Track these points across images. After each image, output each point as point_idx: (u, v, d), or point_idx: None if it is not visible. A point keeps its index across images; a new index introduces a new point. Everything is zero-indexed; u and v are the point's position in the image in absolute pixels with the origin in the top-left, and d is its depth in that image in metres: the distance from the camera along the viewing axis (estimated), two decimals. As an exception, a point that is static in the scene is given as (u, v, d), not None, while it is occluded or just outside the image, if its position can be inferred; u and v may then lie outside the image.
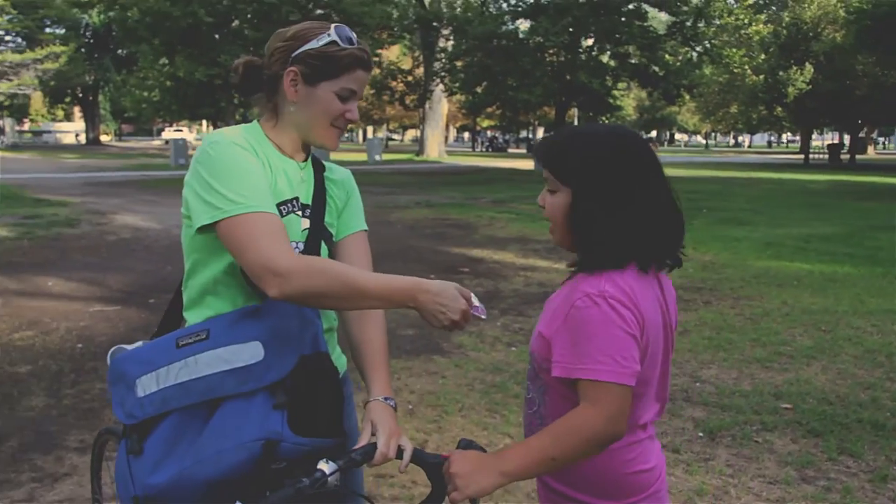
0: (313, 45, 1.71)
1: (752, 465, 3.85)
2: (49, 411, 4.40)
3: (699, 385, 5.07)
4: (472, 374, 5.22)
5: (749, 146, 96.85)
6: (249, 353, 1.61)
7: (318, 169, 1.88)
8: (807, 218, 15.83)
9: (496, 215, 15.36)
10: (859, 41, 33.34)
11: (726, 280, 8.81)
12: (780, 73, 42.44)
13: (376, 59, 24.29)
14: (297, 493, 1.43)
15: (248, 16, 21.61)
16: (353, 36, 1.74)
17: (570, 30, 27.37)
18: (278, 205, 1.71)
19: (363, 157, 40.40)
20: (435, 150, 43.67)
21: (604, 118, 48.21)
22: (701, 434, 4.24)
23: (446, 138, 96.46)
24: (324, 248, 1.82)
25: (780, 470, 3.80)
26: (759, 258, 10.43)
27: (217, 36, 20.42)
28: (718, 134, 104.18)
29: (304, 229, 1.78)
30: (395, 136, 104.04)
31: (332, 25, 1.74)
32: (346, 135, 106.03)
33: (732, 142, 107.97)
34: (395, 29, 25.75)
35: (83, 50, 56.83)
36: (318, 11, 21.95)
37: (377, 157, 40.73)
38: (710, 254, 10.76)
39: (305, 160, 1.84)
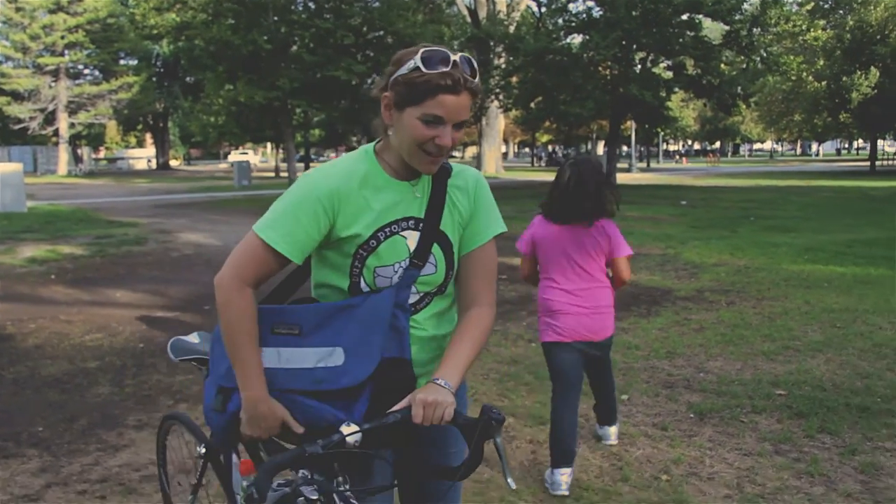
0: (402, 70, 1.75)
1: (731, 441, 4.22)
2: (112, 398, 5.03)
3: (702, 375, 5.43)
4: (489, 365, 5.67)
5: (819, 154, 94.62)
6: (332, 358, 1.77)
7: (441, 176, 1.92)
8: (857, 224, 15.80)
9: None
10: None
11: (755, 283, 9.06)
12: (844, 78, 41.77)
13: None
14: (307, 457, 1.55)
15: (306, 41, 22.49)
16: (451, 58, 1.72)
17: (623, 43, 27.56)
18: (377, 230, 1.83)
19: (421, 174, 41.15)
20: (492, 166, 44.11)
21: (660, 129, 48.03)
22: (692, 415, 4.62)
23: (506, 154, 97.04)
24: (438, 253, 1.89)
25: (758, 445, 4.16)
26: (795, 262, 10.61)
27: (278, 61, 21.31)
28: (786, 143, 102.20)
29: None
30: (455, 154, 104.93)
31: (422, 49, 1.74)
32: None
33: (799, 150, 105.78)
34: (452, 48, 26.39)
35: (154, 79, 59.15)
36: (372, 35, 22.75)
37: (435, 175, 41.43)
38: (746, 259, 10.99)
39: (419, 177, 1.89)
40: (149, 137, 77.86)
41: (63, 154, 57.19)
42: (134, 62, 58.77)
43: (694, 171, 51.10)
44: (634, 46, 28.81)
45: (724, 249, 11.97)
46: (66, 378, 5.48)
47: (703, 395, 4.99)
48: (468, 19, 36.95)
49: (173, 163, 77.62)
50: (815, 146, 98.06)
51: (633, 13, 26.95)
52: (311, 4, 22.50)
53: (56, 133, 56.20)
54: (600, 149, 71.59)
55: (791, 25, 32.84)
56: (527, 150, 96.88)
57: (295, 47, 22.23)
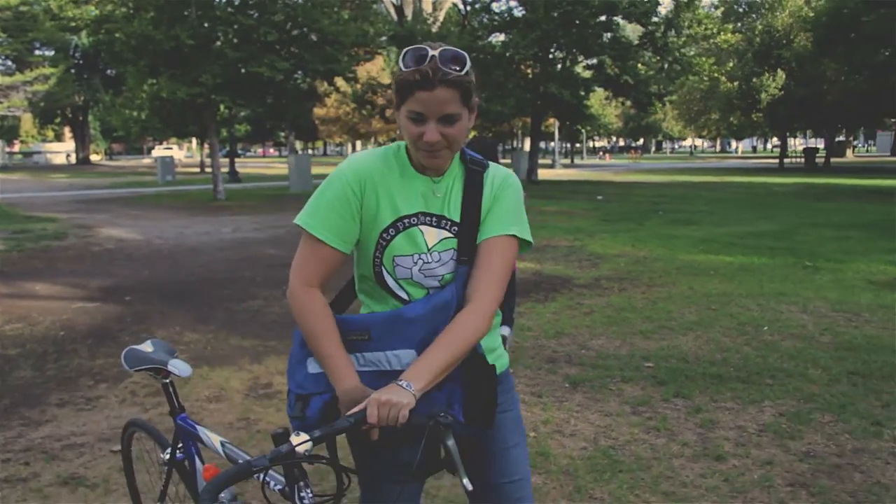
0: (397, 70, 1.80)
1: (597, 405, 4.81)
2: (34, 380, 5.35)
3: (583, 351, 6.03)
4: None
5: (738, 152, 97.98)
6: (405, 358, 1.81)
7: (473, 174, 1.94)
8: (754, 218, 16.83)
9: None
10: (818, 48, 34.52)
11: (648, 271, 9.78)
12: (754, 79, 43.63)
13: (351, 75, 25.20)
14: (253, 469, 1.56)
15: (230, 37, 22.56)
16: (428, 54, 1.74)
17: (542, 43, 28.35)
18: (396, 220, 1.88)
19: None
20: (418, 162, 44.70)
21: (580, 126, 49.25)
22: (567, 385, 5.20)
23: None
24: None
25: (619, 407, 4.76)
26: (689, 253, 11.40)
27: (200, 57, 21.34)
28: (707, 140, 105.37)
29: (439, 240, 1.89)
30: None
31: (405, 50, 1.77)
32: (337, 149, 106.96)
33: (719, 147, 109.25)
34: (371, 46, 26.67)
35: (72, 71, 57.71)
36: (296, 31, 22.94)
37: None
38: (645, 250, 11.74)
39: (442, 174, 1.92)
40: (68, 131, 75.78)
41: (-24, 148, 55.34)
42: (50, 53, 57.24)
43: (616, 167, 52.58)
44: (554, 46, 29.68)
45: (627, 241, 12.73)
46: (-11, 363, 5.78)
47: (581, 367, 5.58)
48: (394, 17, 37.40)
49: (94, 157, 75.78)
50: (734, 143, 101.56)
51: (553, 14, 27.77)
52: (236, 0, 22.57)
53: (-32, 126, 54.37)
54: (527, 145, 72.89)
55: (703, 28, 34.18)
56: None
57: (218, 43, 22.26)
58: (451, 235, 1.90)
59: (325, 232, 1.85)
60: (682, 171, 44.64)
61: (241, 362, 5.71)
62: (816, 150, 52.66)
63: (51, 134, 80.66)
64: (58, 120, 69.41)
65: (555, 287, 8.73)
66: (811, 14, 37.41)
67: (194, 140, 62.58)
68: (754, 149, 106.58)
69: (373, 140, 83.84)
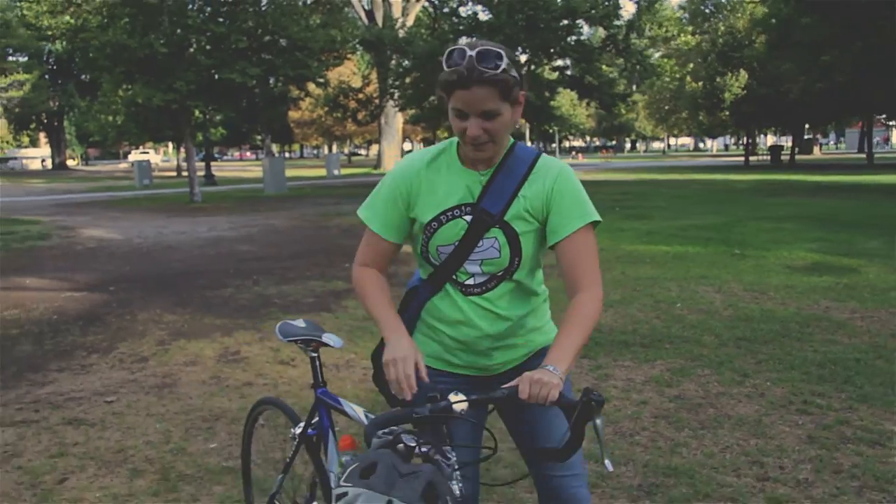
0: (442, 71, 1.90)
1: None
2: (35, 353, 6.19)
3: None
4: (353, 322, 7.05)
5: (712, 150, 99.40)
6: None
7: (510, 169, 2.05)
8: (704, 212, 17.82)
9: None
10: (771, 50, 35.72)
11: (589, 260, 10.71)
12: (718, 79, 44.90)
13: (321, 80, 26.06)
14: (414, 416, 1.70)
15: (202, 44, 23.34)
16: (465, 53, 1.83)
17: (506, 46, 29.28)
18: (440, 213, 2.04)
19: (323, 172, 42.18)
20: (392, 164, 45.47)
21: (548, 127, 50.28)
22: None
23: (410, 151, 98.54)
24: (502, 239, 2.05)
25: (532, 365, 5.67)
26: (633, 244, 12.36)
27: (174, 64, 22.10)
28: (681, 138, 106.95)
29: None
30: (360, 152, 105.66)
31: (447, 50, 1.88)
32: (314, 151, 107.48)
33: (692, 146, 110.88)
34: (340, 51, 27.50)
35: (47, 77, 58.07)
36: (267, 38, 23.76)
37: (336, 172, 42.53)
38: (591, 242, 12.68)
39: (489, 169, 2.04)
40: (43, 137, 75.93)
41: (-49, 154, 55.52)
42: (24, 59, 57.57)
43: (587, 166, 53.61)
44: (519, 49, 30.62)
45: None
46: (-7, 341, 6.62)
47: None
48: (365, 21, 38.27)
49: (70, 163, 75.92)
50: (708, 142, 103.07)
51: (517, 17, 28.70)
52: (208, 8, 23.33)
53: (-58, 133, 54.59)
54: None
55: (664, 31, 35.31)
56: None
57: (191, 50, 23.03)
58: (494, 225, 2.03)
59: (378, 225, 2.08)
60: (650, 169, 45.75)
61: (214, 336, 6.59)
62: (782, 147, 54.00)
63: (26, 140, 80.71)
64: (33, 125, 69.61)
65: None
66: (765, 13, 38.50)
67: (171, 144, 63.07)
68: (726, 147, 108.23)
69: (348, 142, 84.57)
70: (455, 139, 2.05)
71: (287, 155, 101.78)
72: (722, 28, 45.68)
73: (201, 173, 34.42)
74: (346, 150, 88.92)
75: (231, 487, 3.61)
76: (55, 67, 59.67)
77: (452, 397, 1.75)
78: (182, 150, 41.67)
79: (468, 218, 2.02)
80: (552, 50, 30.97)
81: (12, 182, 43.21)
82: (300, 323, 2.67)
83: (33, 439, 4.30)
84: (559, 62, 32.63)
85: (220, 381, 5.31)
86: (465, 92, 1.84)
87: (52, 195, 29.36)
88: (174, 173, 51.26)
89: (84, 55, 23.74)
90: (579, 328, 1.93)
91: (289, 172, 38.30)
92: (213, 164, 43.00)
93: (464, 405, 1.74)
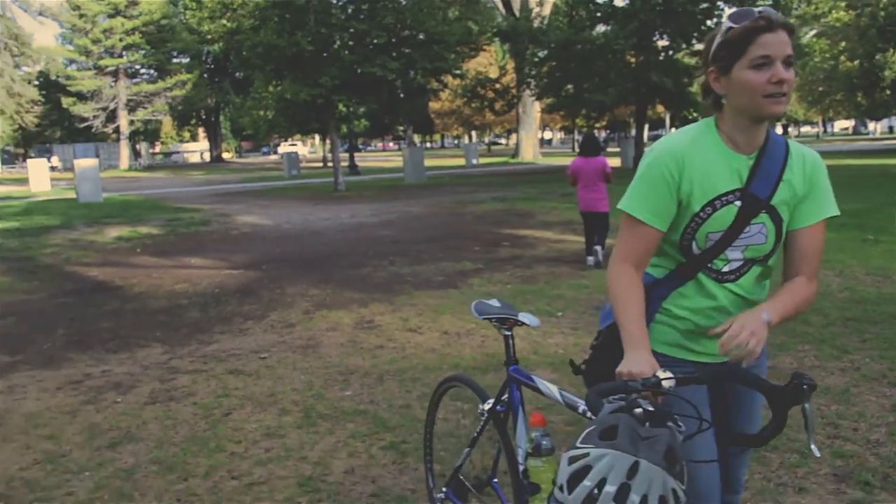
0: (718, 39, 1.92)
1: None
2: (202, 318, 7.20)
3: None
4: (476, 297, 7.69)
5: (876, 133, 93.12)
6: None
7: (775, 153, 2.02)
8: (847, 198, 16.99)
9: (558, 205, 17.56)
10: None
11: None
12: (877, 56, 42.39)
13: (458, 72, 26.89)
14: (627, 387, 1.73)
15: (346, 40, 24.64)
16: (755, 10, 1.88)
17: (642, 32, 29.08)
18: (713, 199, 1.97)
19: (462, 161, 43.15)
20: (529, 152, 45.85)
21: (686, 113, 49.08)
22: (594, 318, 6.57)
23: (550, 140, 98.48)
24: (769, 225, 2.01)
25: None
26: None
27: (319, 61, 23.48)
28: (840, 121, 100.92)
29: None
30: (501, 141, 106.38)
31: (732, 11, 1.93)
32: (454, 141, 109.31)
33: (851, 129, 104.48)
34: (476, 43, 28.19)
35: (205, 75, 62.06)
36: (405, 33, 24.77)
37: (474, 161, 43.37)
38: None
39: (753, 152, 2.00)
40: (202, 132, 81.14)
41: (124, 149, 60.58)
42: (186, 60, 61.67)
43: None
44: (656, 35, 30.33)
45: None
46: (168, 309, 7.70)
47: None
48: (502, 11, 38.83)
49: (225, 155, 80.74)
50: (871, 125, 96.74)
51: (653, 2, 28.44)
52: (350, 7, 24.59)
53: (117, 130, 59.61)
54: (645, 133, 72.88)
55: (814, 8, 33.87)
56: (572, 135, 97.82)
57: (335, 47, 24.35)
58: (762, 210, 1.99)
59: (643, 212, 1.99)
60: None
61: (352, 307, 7.40)
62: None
63: (187, 135, 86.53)
64: (193, 121, 74.56)
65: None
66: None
67: (317, 136, 66.02)
68: (891, 129, 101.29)
69: (488, 131, 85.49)
70: (711, 119, 2.05)
71: (428, 145, 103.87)
72: (885, 0, 43.01)
73: (345, 164, 36.05)
74: (486, 140, 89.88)
75: (360, 425, 4.32)
76: (213, 67, 63.60)
77: (660, 373, 1.78)
78: (327, 141, 43.73)
79: (738, 203, 1.99)
80: (695, 35, 30.44)
81: (176, 174, 46.73)
82: (494, 302, 2.72)
83: (203, 384, 5.19)
84: (699, 47, 32.04)
85: (356, 343, 6.07)
86: (772, 35, 1.86)
87: (210, 185, 31.70)
88: (320, 164, 53.68)
89: (238, 55, 25.58)
90: (795, 299, 1.99)
91: (428, 162, 39.45)
92: (356, 154, 44.87)
93: (671, 382, 1.77)
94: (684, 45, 32.22)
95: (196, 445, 4.12)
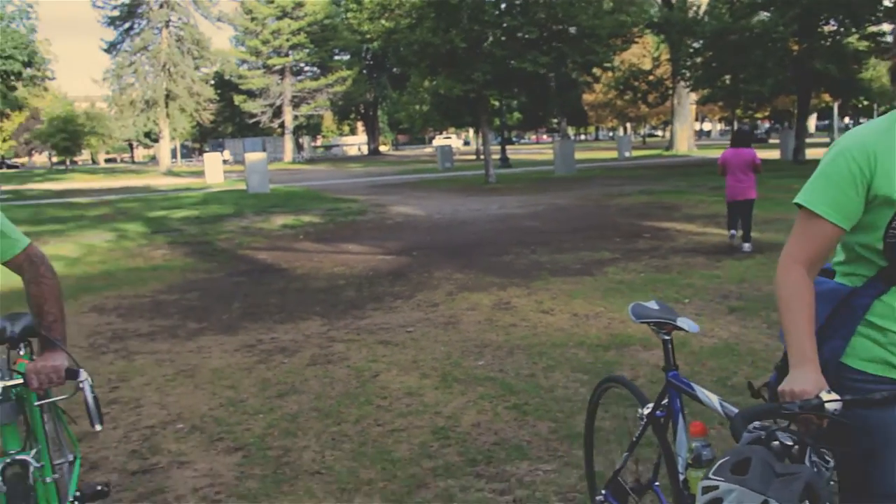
0: None
1: (741, 322, 6.40)
2: (357, 297, 8.00)
3: (755, 292, 7.53)
4: (608, 284, 8.09)
5: None
6: None
7: None
8: None
9: (705, 198, 17.44)
10: None
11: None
12: None
13: (609, 65, 26.90)
14: (782, 412, 1.63)
15: (498, 35, 25.26)
16: None
17: (804, 18, 27.96)
18: None
19: (614, 154, 42.92)
20: (684, 145, 44.90)
21: (856, 101, 46.44)
22: (727, 311, 6.81)
23: (709, 132, 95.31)
24: None
25: (759, 325, 6.32)
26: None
27: (472, 57, 24.24)
28: None
29: None
30: (658, 133, 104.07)
31: None
32: (609, 134, 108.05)
33: None
34: (628, 35, 28.04)
35: (364, 71, 64.61)
36: (556, 27, 25.09)
37: (626, 154, 42.98)
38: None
39: None
40: (360, 125, 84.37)
41: (288, 143, 64.14)
42: (347, 57, 64.43)
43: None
44: (821, 20, 29.02)
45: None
46: (327, 288, 8.58)
47: (744, 301, 7.13)
48: (659, 1, 38.21)
49: (382, 148, 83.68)
50: None
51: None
52: (503, 4, 25.18)
53: (282, 125, 63.21)
54: (812, 124, 69.28)
55: None
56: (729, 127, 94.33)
57: (488, 43, 25.03)
58: None
59: (823, 207, 1.83)
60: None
61: (491, 290, 7.99)
62: None
63: (346, 128, 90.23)
64: (352, 116, 77.71)
65: (761, 250, 10.05)
66: None
67: (471, 129, 67.26)
68: None
69: (643, 123, 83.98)
70: None
71: (582, 137, 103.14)
72: None
73: (497, 156, 36.75)
74: (641, 132, 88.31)
75: (489, 389, 4.89)
76: (371, 63, 66.10)
77: (825, 395, 1.65)
78: (480, 134, 44.69)
79: None
80: (871, 17, 28.86)
81: (336, 167, 49.10)
82: (653, 305, 2.65)
83: (356, 351, 5.92)
84: (873, 28, 30.32)
85: (492, 322, 6.65)
86: None
87: (367, 177, 33.25)
88: (473, 157, 54.75)
89: (395, 53, 26.73)
90: None
91: (581, 155, 39.50)
92: (509, 147, 45.48)
93: (837, 404, 1.64)
94: (854, 29, 30.67)
95: (348, 399, 4.83)
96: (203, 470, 3.90)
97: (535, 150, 73.64)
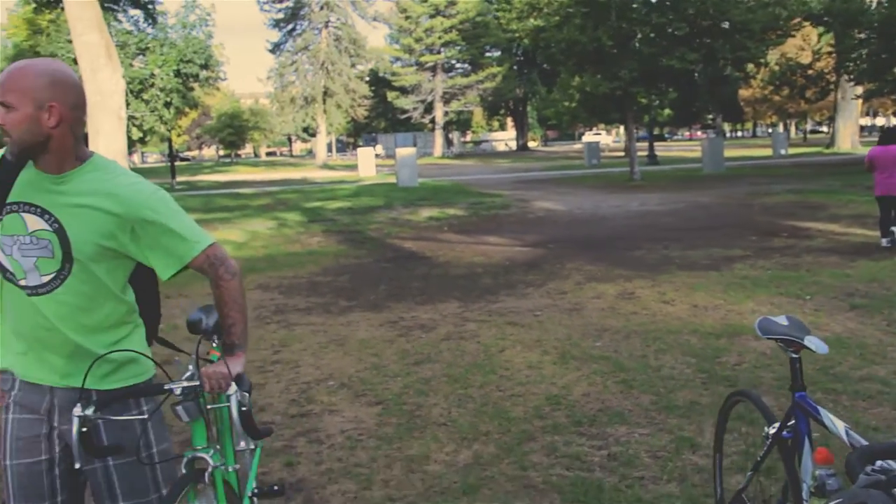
0: None
1: (870, 321, 6.54)
2: (492, 284, 8.66)
3: (884, 292, 7.58)
4: (732, 279, 8.34)
5: None
6: None
7: None
8: None
9: (856, 198, 16.84)
10: None
11: None
12: None
13: (762, 60, 26.22)
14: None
15: (647, 32, 25.22)
16: None
17: None
18: None
19: (769, 151, 41.52)
20: (847, 142, 42.78)
21: None
22: (848, 307, 6.95)
23: (882, 127, 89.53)
24: None
25: (881, 322, 6.45)
26: None
27: (619, 55, 24.36)
28: None
29: None
30: (823, 129, 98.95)
31: None
32: (768, 130, 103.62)
33: None
34: (783, 29, 27.15)
35: (514, 67, 65.27)
36: (706, 23, 24.76)
37: (782, 152, 41.43)
38: None
39: None
40: (510, 121, 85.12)
41: (438, 138, 65.75)
42: (497, 53, 65.29)
43: None
44: None
45: None
46: (465, 275, 9.29)
47: (870, 299, 7.21)
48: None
49: (531, 144, 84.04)
50: None
51: None
52: (652, 0, 25.12)
53: (432, 120, 64.89)
54: None
55: None
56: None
57: (635, 41, 25.05)
58: None
59: None
60: None
61: (618, 281, 8.43)
62: None
63: (496, 124, 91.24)
64: (501, 111, 78.53)
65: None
66: None
67: (621, 126, 66.63)
68: None
69: (805, 119, 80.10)
70: None
71: (738, 134, 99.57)
72: None
73: (645, 153, 36.46)
74: (803, 128, 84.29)
75: (602, 366, 5.39)
76: (522, 59, 66.64)
77: None
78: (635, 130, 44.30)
79: None
80: None
81: (483, 162, 50.05)
82: (782, 320, 2.57)
83: (486, 330, 6.56)
84: None
85: (614, 309, 7.11)
86: None
87: (513, 173, 33.90)
88: (622, 154, 54.25)
89: (544, 50, 27.16)
90: None
91: (733, 152, 38.55)
92: (660, 144, 44.82)
93: None
94: None
95: (475, 369, 5.47)
96: (349, 417, 4.65)
97: (687, 146, 71.86)
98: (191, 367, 2.26)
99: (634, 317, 6.79)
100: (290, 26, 61.75)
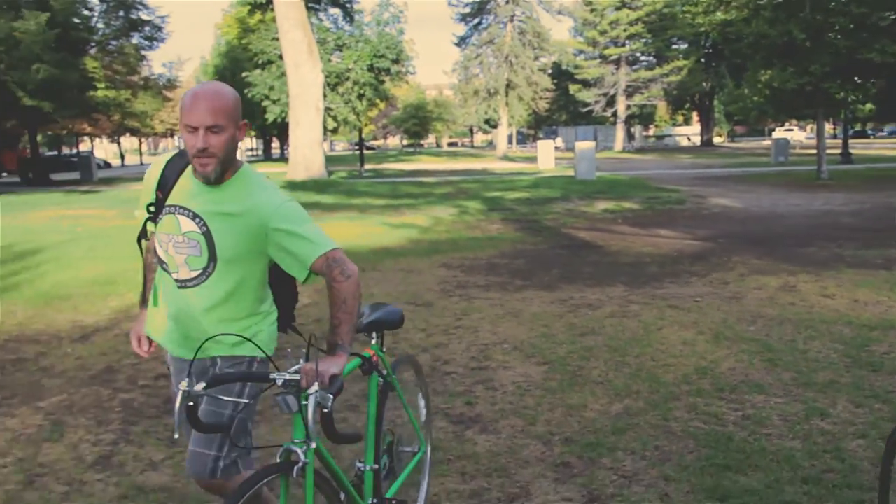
0: None
1: None
2: (657, 272, 9.19)
3: None
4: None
5: None
6: None
7: None
8: None
9: None
10: None
11: None
12: None
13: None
14: None
15: (847, 24, 24.24)
16: None
17: None
18: None
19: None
20: None
21: None
22: None
23: None
24: None
25: None
26: None
27: (810, 49, 23.60)
28: None
29: None
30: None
31: None
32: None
33: None
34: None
35: (702, 60, 63.55)
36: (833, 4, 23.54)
37: None
38: None
39: None
40: (695, 116, 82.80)
41: (619, 132, 65.32)
42: (684, 46, 63.78)
43: None
44: None
45: None
46: (633, 263, 9.91)
47: None
48: None
49: (717, 139, 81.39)
50: None
51: None
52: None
53: (614, 114, 64.49)
54: None
55: None
56: None
57: (831, 34, 24.12)
58: None
59: None
60: None
61: (781, 275, 8.74)
62: None
63: (680, 118, 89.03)
64: (687, 106, 76.56)
65: None
66: None
67: (815, 123, 63.24)
68: None
69: None
70: None
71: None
72: None
73: (837, 151, 34.84)
74: None
75: (751, 346, 5.90)
76: (710, 51, 64.75)
77: None
78: (833, 126, 42.23)
79: None
80: None
81: (664, 157, 49.38)
82: None
83: (648, 311, 7.20)
84: None
85: (773, 300, 7.52)
86: None
87: (693, 169, 33.45)
88: (814, 151, 51.66)
89: (732, 44, 26.70)
90: None
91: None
92: (861, 140, 42.35)
93: None
94: None
95: (634, 341, 6.15)
96: (520, 372, 5.49)
97: (891, 144, 67.15)
98: (302, 360, 2.28)
99: (791, 307, 7.17)
100: (476, 20, 63.43)
